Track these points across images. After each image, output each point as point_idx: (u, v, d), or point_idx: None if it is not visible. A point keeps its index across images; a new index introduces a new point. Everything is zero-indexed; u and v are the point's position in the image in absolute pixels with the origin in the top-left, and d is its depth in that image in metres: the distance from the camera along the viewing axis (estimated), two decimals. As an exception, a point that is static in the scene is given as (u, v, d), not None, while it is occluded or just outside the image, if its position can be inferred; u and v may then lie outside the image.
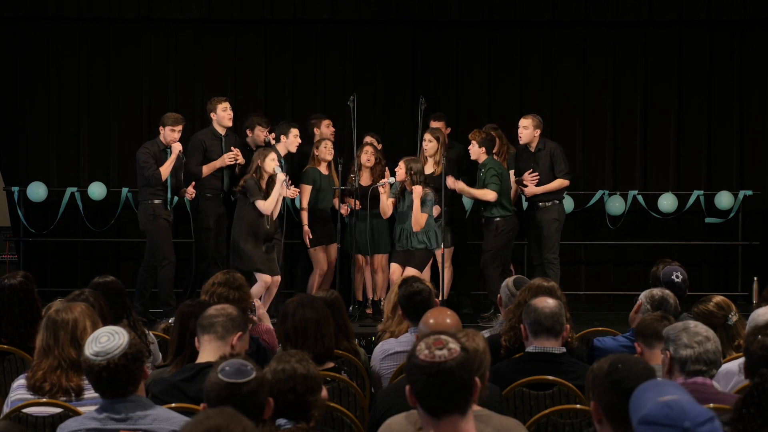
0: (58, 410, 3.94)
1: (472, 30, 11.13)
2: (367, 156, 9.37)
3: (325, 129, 9.77)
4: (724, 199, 10.70)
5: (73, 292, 4.92)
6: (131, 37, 11.07)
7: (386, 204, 8.82)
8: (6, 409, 4.06)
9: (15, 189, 10.73)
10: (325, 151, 9.24)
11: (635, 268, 10.97)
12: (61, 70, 11.06)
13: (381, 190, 8.84)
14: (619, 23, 11.01)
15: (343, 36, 11.19)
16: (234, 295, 5.24)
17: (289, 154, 9.26)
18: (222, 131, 9.38)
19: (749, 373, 3.74)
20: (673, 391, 2.55)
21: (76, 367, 3.93)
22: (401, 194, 8.66)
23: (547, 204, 9.31)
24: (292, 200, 9.36)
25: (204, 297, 5.25)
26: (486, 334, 5.14)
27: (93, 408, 3.56)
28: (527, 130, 9.32)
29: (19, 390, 4.08)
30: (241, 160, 9.28)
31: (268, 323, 5.92)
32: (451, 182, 9.05)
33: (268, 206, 8.56)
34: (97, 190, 10.69)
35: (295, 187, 9.01)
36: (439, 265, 9.04)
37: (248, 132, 9.56)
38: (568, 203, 10.11)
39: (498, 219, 9.09)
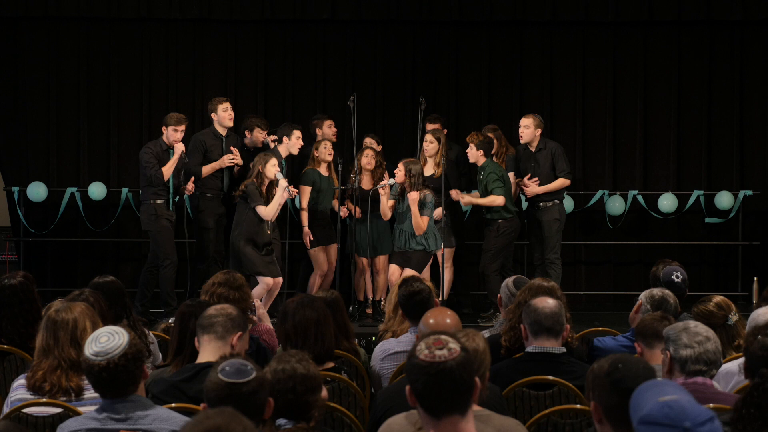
0: (58, 410, 3.94)
1: (472, 30, 11.12)
2: (367, 159, 9.36)
3: (327, 130, 9.77)
4: (724, 199, 10.69)
5: (73, 292, 4.93)
6: (131, 37, 11.07)
7: (386, 206, 8.82)
8: (6, 409, 4.06)
9: (15, 189, 10.73)
10: (325, 152, 9.23)
11: (635, 268, 10.97)
12: (61, 70, 11.06)
13: (381, 191, 8.84)
14: (619, 23, 11.01)
15: (343, 36, 11.18)
16: (234, 295, 5.25)
17: (290, 156, 9.26)
18: (223, 132, 9.38)
19: (749, 373, 3.74)
20: (674, 391, 2.55)
21: (76, 367, 3.94)
22: (400, 195, 8.66)
23: (548, 204, 9.31)
24: (292, 201, 9.36)
25: (204, 297, 5.26)
26: (486, 334, 5.14)
27: (93, 408, 3.56)
28: (528, 129, 9.32)
29: (19, 390, 4.08)
30: (239, 160, 9.28)
31: (268, 323, 5.92)
32: (455, 195, 9.07)
33: (269, 212, 8.55)
34: (97, 190, 10.69)
35: (295, 188, 8.99)
36: (440, 266, 9.04)
37: (247, 133, 9.55)
38: (568, 203, 10.11)
39: (500, 220, 9.10)
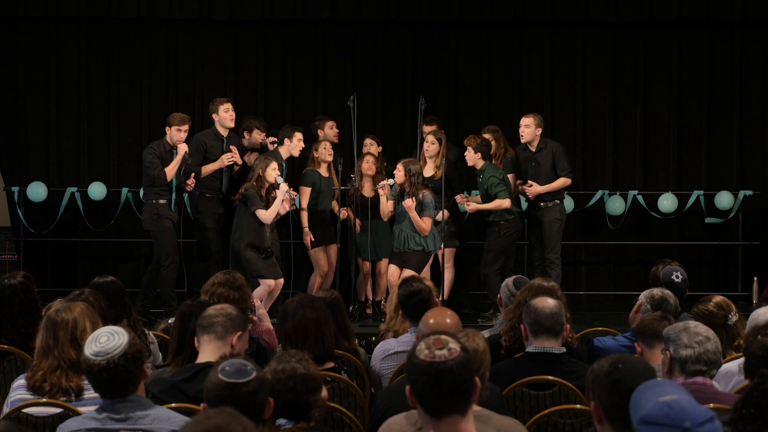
0: (58, 410, 3.94)
1: (472, 30, 11.12)
2: (368, 165, 9.35)
3: (329, 131, 9.77)
4: (724, 199, 10.69)
5: (73, 292, 4.93)
6: (131, 37, 11.06)
7: (386, 206, 8.82)
8: (6, 409, 4.06)
9: (15, 189, 10.73)
10: (325, 152, 9.23)
11: (635, 268, 10.97)
12: (61, 70, 11.05)
13: (381, 192, 8.84)
14: (619, 23, 11.01)
15: (343, 36, 11.18)
16: (234, 295, 5.25)
17: (290, 157, 9.25)
18: (224, 132, 9.37)
19: (749, 373, 3.74)
20: (674, 391, 2.55)
21: (76, 367, 3.93)
22: (400, 195, 8.66)
23: (548, 204, 9.31)
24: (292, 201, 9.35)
25: (204, 297, 5.26)
26: (486, 334, 5.14)
27: (93, 408, 3.56)
28: (529, 128, 9.32)
29: (19, 390, 4.08)
30: (238, 159, 9.27)
31: (268, 323, 5.92)
32: (461, 200, 9.07)
33: (269, 216, 8.54)
34: (97, 190, 10.68)
35: (294, 189, 8.99)
36: (440, 266, 9.03)
37: (245, 134, 9.55)
38: (568, 203, 10.11)
39: (503, 222, 9.10)
